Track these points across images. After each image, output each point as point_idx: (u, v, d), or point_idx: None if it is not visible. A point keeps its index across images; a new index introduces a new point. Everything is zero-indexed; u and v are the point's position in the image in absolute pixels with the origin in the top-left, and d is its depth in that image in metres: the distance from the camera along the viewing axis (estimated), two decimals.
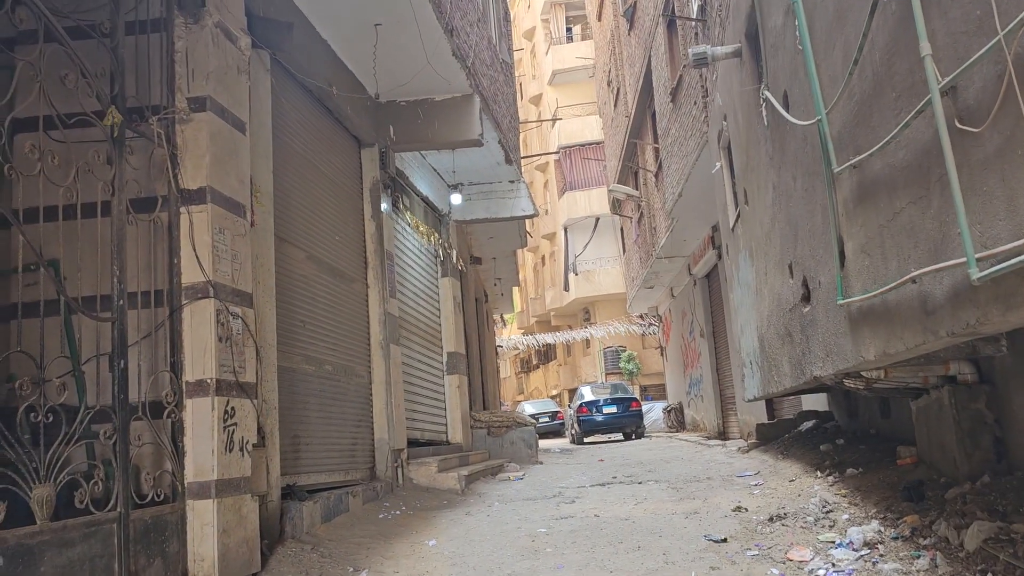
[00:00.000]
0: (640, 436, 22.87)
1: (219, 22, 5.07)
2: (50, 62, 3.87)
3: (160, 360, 4.65)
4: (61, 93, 4.00)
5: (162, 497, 4.39)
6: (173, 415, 4.56)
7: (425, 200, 11.39)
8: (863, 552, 4.26)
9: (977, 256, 2.85)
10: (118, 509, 3.98)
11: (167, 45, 4.90)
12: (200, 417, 4.62)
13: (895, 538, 4.36)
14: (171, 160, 4.74)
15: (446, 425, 11.64)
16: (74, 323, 4.33)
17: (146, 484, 4.32)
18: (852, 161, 4.25)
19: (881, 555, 4.16)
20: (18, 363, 3.94)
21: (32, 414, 3.52)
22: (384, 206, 8.97)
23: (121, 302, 4.26)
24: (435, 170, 11.80)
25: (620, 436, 23.59)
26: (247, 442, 4.95)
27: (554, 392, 41.90)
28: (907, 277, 3.59)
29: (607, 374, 33.33)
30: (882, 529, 4.55)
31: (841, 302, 4.71)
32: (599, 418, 22.72)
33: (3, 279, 4.64)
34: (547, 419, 29.45)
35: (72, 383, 4.26)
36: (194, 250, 4.71)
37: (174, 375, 4.62)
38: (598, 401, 22.94)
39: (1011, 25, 2.51)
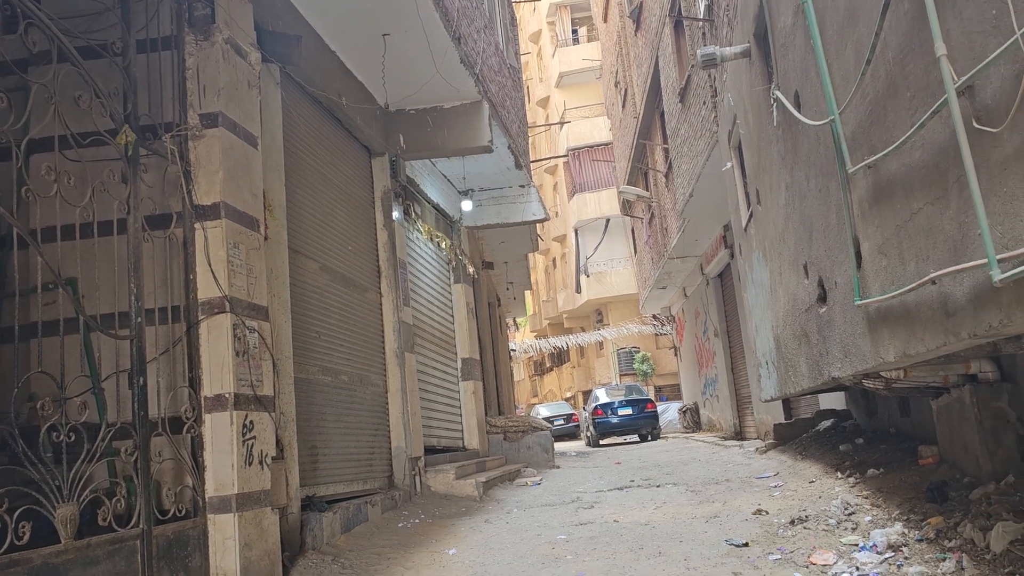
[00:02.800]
0: (656, 437, 22.81)
1: (229, 38, 5.10)
2: (63, 83, 3.90)
3: (178, 376, 4.67)
4: (75, 113, 4.03)
5: (183, 512, 4.40)
6: (192, 430, 4.58)
7: (436, 207, 11.40)
8: (887, 555, 4.23)
9: (999, 257, 2.82)
10: (140, 526, 4.00)
11: (178, 62, 4.93)
12: (219, 432, 4.63)
13: (919, 540, 4.33)
14: (185, 176, 4.76)
15: (462, 431, 11.63)
16: (93, 341, 4.35)
17: (167, 500, 4.33)
18: (867, 161, 4.22)
19: (906, 558, 4.12)
20: (39, 382, 3.97)
21: (54, 433, 3.55)
22: (396, 215, 8.98)
23: (139, 319, 4.28)
24: (445, 177, 11.81)
25: (636, 438, 23.54)
26: (266, 455, 4.96)
27: (568, 394, 41.84)
28: (927, 278, 3.56)
29: (621, 375, 33.26)
30: (906, 531, 4.51)
31: (859, 303, 4.68)
32: (614, 420, 22.67)
33: (22, 299, 4.66)
34: (562, 422, 29.42)
35: (92, 401, 4.29)
36: (209, 265, 4.73)
37: (192, 390, 4.64)
38: (613, 403, 22.89)
39: None
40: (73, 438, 3.60)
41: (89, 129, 4.10)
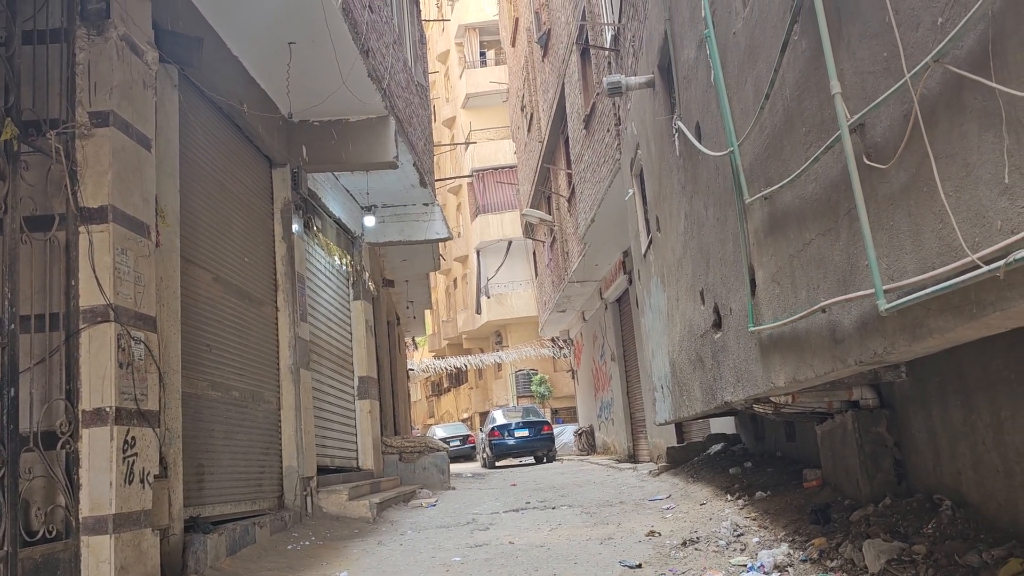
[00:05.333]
0: (552, 459, 22.94)
1: (124, 34, 4.88)
2: None
3: (55, 388, 4.39)
4: None
5: (54, 534, 4.13)
6: (68, 446, 4.30)
7: (338, 222, 11.20)
8: (774, 575, 4.35)
9: (885, 288, 2.95)
10: (5, 548, 3.72)
11: (68, 57, 4.68)
12: (97, 448, 4.37)
13: (804, 560, 4.46)
14: (70, 176, 4.51)
15: (357, 451, 11.40)
16: None
17: (36, 520, 4.05)
18: (763, 192, 4.37)
19: None
20: None
21: None
22: (295, 227, 8.77)
23: (12, 326, 4.01)
24: (348, 191, 11.63)
25: (532, 459, 23.61)
26: (148, 473, 4.71)
27: (465, 415, 41.71)
28: (817, 307, 3.70)
29: (519, 397, 33.42)
30: (791, 552, 4.65)
31: (752, 329, 4.83)
32: (511, 442, 22.69)
33: None
34: (458, 443, 29.26)
35: None
36: (94, 271, 4.48)
37: (70, 403, 4.36)
38: (510, 425, 22.92)
39: (917, 68, 2.63)
40: None
41: None
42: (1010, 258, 2.19)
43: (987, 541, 3.76)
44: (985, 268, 2.31)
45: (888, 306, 2.90)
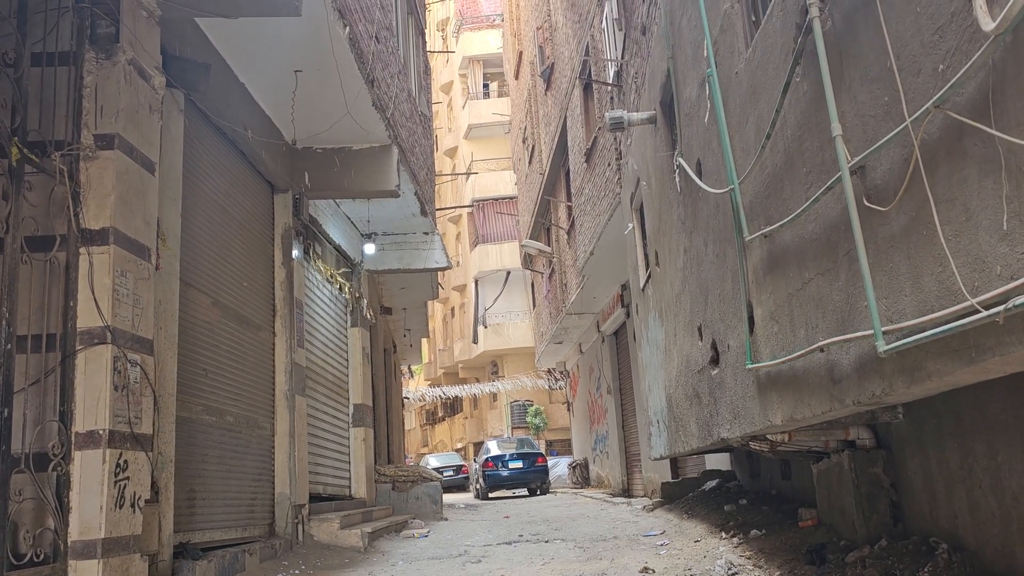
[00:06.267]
0: (545, 492, 22.76)
1: (133, 59, 4.92)
2: None
3: (49, 409, 4.36)
4: None
5: (42, 557, 4.08)
6: (59, 468, 4.26)
7: (337, 248, 11.22)
8: None
9: (884, 329, 2.96)
10: None
11: (75, 79, 4.71)
12: (89, 471, 4.33)
13: None
14: (73, 198, 4.52)
15: (350, 479, 11.31)
16: None
17: (24, 543, 4.01)
18: (763, 231, 4.39)
19: None
20: None
21: None
22: (295, 253, 8.78)
23: (8, 345, 4.00)
24: (349, 218, 11.67)
25: (525, 491, 23.43)
26: (139, 497, 4.67)
27: (459, 445, 41.45)
28: (815, 346, 3.70)
29: (513, 428, 33.20)
30: None
31: (750, 367, 4.82)
32: (505, 473, 22.53)
33: None
34: (452, 473, 29.03)
35: None
36: (92, 293, 4.47)
37: (63, 425, 4.33)
38: (504, 456, 22.77)
39: (918, 113, 2.66)
40: None
41: None
42: (1009, 304, 2.19)
43: None
44: (984, 313, 2.32)
45: (887, 348, 2.90)
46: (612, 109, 10.18)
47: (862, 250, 3.08)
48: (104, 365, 4.45)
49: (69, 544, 4.23)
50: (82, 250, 4.52)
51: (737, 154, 4.91)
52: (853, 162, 3.16)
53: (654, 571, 5.99)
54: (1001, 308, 2.22)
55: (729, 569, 5.58)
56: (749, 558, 5.94)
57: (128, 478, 4.55)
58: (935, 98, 2.54)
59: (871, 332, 3.03)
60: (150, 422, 4.89)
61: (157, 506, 5.07)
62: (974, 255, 2.47)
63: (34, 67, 4.42)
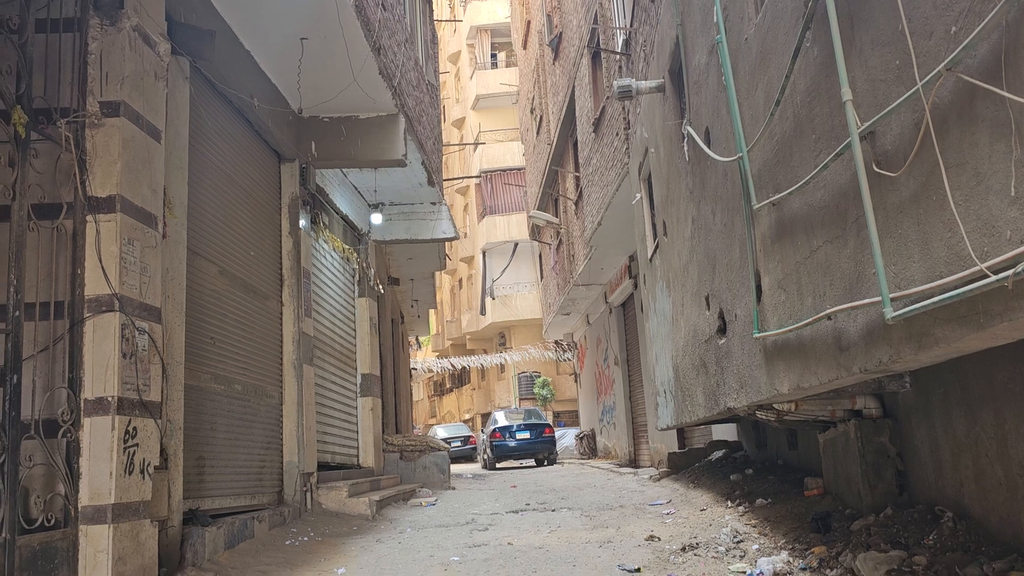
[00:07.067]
0: (552, 462, 22.92)
1: (137, 25, 4.88)
2: None
3: (57, 376, 4.39)
4: None
5: (53, 522, 4.13)
6: (69, 434, 4.30)
7: (345, 218, 11.21)
8: None
9: (892, 296, 2.94)
10: (3, 535, 3.72)
11: (80, 46, 4.69)
12: (99, 437, 4.37)
13: (803, 569, 4.44)
14: (79, 165, 4.51)
15: (358, 448, 11.40)
16: None
17: (36, 508, 4.06)
18: (772, 199, 4.36)
19: None
20: None
21: None
22: (303, 223, 8.78)
23: (17, 313, 4.01)
24: (356, 188, 11.64)
25: (532, 462, 23.59)
26: (148, 464, 4.71)
27: (467, 416, 41.69)
28: (823, 314, 3.68)
29: (521, 399, 33.37)
30: (791, 560, 4.63)
31: (757, 336, 4.81)
32: (512, 444, 22.67)
33: None
34: (459, 443, 29.24)
35: None
36: (100, 261, 4.48)
37: (72, 392, 4.37)
38: (511, 427, 22.90)
39: (928, 76, 2.62)
40: None
41: None
42: (1018, 268, 2.17)
43: (989, 554, 3.74)
44: (993, 278, 2.30)
45: (894, 314, 2.88)
46: (620, 78, 10.09)
47: (871, 216, 3.05)
48: (112, 332, 4.47)
49: (80, 509, 4.28)
50: (89, 218, 4.52)
51: (746, 122, 4.86)
52: (863, 127, 3.12)
53: (660, 539, 6.03)
54: (1010, 273, 2.20)
55: (734, 537, 5.61)
56: (755, 526, 5.98)
57: (137, 445, 4.59)
58: (947, 60, 2.50)
59: (879, 299, 3.01)
60: (158, 390, 4.92)
61: (166, 473, 5.12)
62: (984, 220, 2.44)
63: (38, 33, 4.39)
